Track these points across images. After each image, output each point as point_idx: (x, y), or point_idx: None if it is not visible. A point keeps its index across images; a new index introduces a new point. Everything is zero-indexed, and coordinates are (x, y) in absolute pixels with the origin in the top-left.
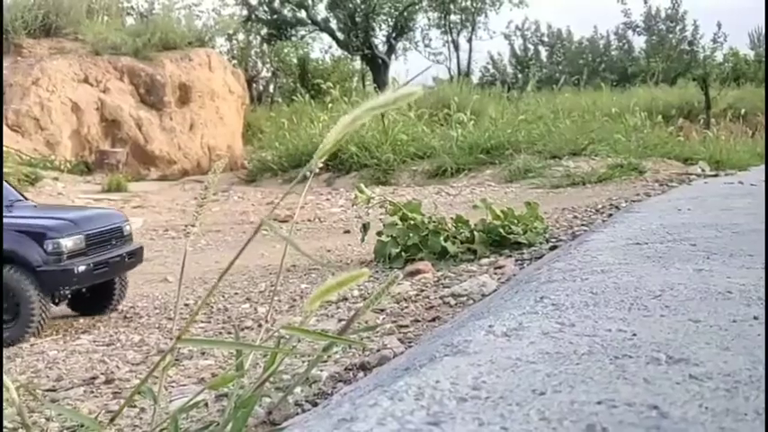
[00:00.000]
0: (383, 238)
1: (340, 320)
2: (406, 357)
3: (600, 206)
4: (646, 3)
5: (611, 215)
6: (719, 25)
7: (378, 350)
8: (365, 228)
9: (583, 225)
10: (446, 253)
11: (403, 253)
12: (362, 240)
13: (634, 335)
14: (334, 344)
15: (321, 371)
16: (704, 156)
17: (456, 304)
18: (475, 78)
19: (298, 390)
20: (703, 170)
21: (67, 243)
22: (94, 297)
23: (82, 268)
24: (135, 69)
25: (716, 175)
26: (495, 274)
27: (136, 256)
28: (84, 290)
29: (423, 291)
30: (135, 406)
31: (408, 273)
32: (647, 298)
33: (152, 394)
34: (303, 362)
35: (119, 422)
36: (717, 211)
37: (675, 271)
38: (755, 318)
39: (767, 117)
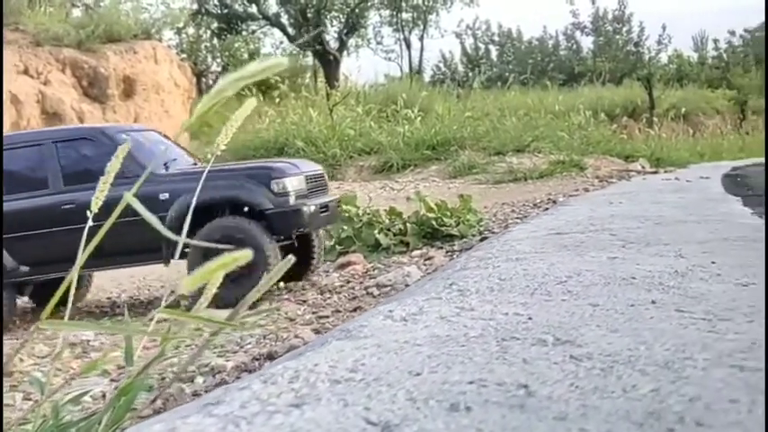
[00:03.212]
0: None
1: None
2: (309, 345)
3: (538, 201)
4: (593, 4)
5: (547, 209)
6: (664, 27)
7: (287, 339)
8: None
9: (518, 218)
10: (379, 245)
11: (337, 245)
12: None
13: (530, 318)
14: (222, 330)
15: (228, 361)
16: (645, 153)
17: (379, 294)
18: (427, 76)
19: (200, 380)
20: (643, 167)
21: (293, 182)
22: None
23: (312, 209)
24: (78, 61)
25: (655, 172)
26: (424, 265)
27: (338, 206)
28: (295, 242)
29: (349, 282)
30: (30, 399)
31: (339, 265)
32: (552, 284)
33: (40, 385)
34: (215, 353)
35: (9, 415)
36: (647, 204)
37: (588, 259)
38: (653, 302)
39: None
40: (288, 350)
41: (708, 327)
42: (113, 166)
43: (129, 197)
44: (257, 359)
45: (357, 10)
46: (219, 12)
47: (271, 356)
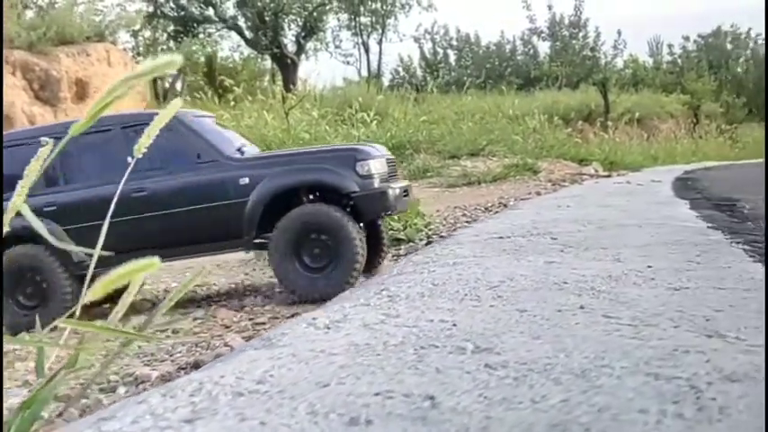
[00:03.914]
0: None
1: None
2: (226, 356)
3: (490, 204)
4: (550, 9)
5: (497, 213)
6: (619, 33)
7: (217, 347)
8: None
9: (467, 222)
10: None
11: None
12: None
13: (454, 325)
14: (134, 340)
15: (154, 370)
16: (599, 157)
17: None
18: (386, 81)
19: (122, 390)
20: (596, 171)
21: (377, 165)
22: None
23: (397, 191)
24: (29, 64)
25: (608, 176)
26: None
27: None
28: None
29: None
30: None
31: None
32: (483, 289)
33: None
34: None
35: None
36: (593, 208)
37: (525, 263)
38: (581, 307)
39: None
40: (214, 358)
41: (632, 333)
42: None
43: (21, 206)
44: (183, 368)
45: (315, 13)
46: (176, 14)
47: (197, 365)
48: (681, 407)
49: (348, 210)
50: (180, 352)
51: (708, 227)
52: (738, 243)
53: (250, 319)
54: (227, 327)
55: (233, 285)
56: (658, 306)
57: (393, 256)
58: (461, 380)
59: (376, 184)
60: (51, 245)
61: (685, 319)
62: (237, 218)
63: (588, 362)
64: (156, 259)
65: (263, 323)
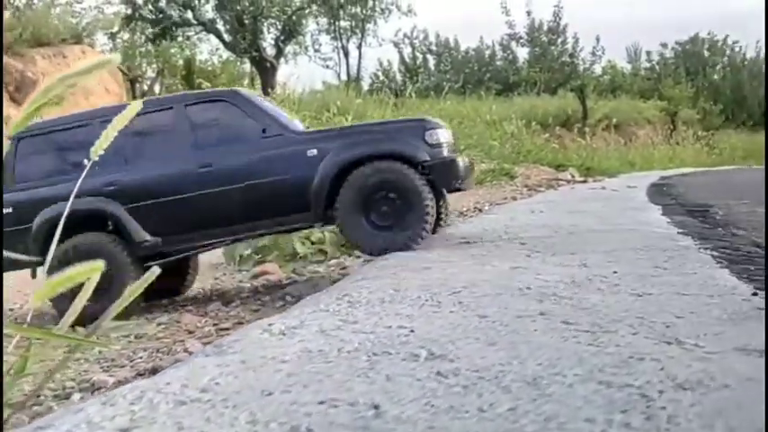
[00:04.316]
0: None
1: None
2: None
3: (464, 209)
4: (529, 15)
5: (472, 217)
6: (598, 39)
7: (175, 353)
8: None
9: (441, 226)
10: (297, 254)
11: (254, 254)
12: None
13: (412, 331)
14: (80, 346)
15: (111, 376)
16: (576, 163)
17: (284, 305)
18: (366, 85)
19: (77, 396)
20: (573, 176)
21: (444, 134)
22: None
23: (466, 161)
24: (4, 65)
25: (584, 181)
26: (339, 274)
27: None
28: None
29: (258, 292)
30: None
31: (253, 275)
32: (445, 294)
33: None
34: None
35: None
36: (566, 213)
37: (489, 268)
38: (542, 314)
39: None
40: (173, 364)
41: (590, 340)
42: None
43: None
44: (141, 374)
45: (294, 17)
46: (154, 17)
47: (155, 371)
48: (629, 416)
49: None
50: (140, 357)
51: (678, 232)
52: (707, 249)
53: (214, 325)
54: (191, 332)
55: (201, 290)
56: (620, 312)
57: (364, 261)
58: (410, 388)
59: (446, 152)
60: (115, 229)
61: (645, 326)
62: (305, 191)
63: (541, 369)
64: (100, 263)
65: (228, 329)
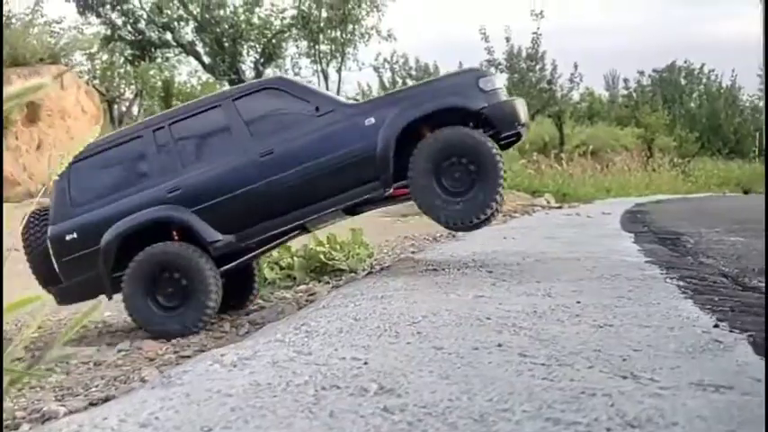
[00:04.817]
0: None
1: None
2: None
3: (438, 235)
4: (508, 42)
5: (444, 243)
6: (576, 66)
7: (131, 382)
8: None
9: (413, 252)
10: (265, 279)
11: None
12: None
13: (365, 363)
14: (23, 378)
15: (62, 406)
16: (552, 189)
17: (246, 333)
18: None
19: (26, 427)
20: (548, 202)
21: (497, 81)
22: None
23: (524, 103)
24: None
25: (559, 207)
26: (306, 300)
27: None
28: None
29: (223, 318)
30: None
31: None
32: (404, 324)
33: None
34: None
35: None
36: (538, 240)
37: (453, 297)
38: (499, 345)
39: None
40: (126, 393)
41: (544, 373)
42: None
43: None
44: (94, 404)
45: (274, 40)
46: (133, 38)
47: (107, 401)
48: None
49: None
50: (96, 386)
51: (646, 261)
52: (673, 279)
53: (175, 352)
54: (152, 359)
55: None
56: (578, 345)
57: (333, 287)
58: (353, 425)
59: (502, 97)
60: (185, 235)
61: (602, 359)
62: (370, 160)
63: (490, 405)
64: (39, 295)
65: (189, 356)
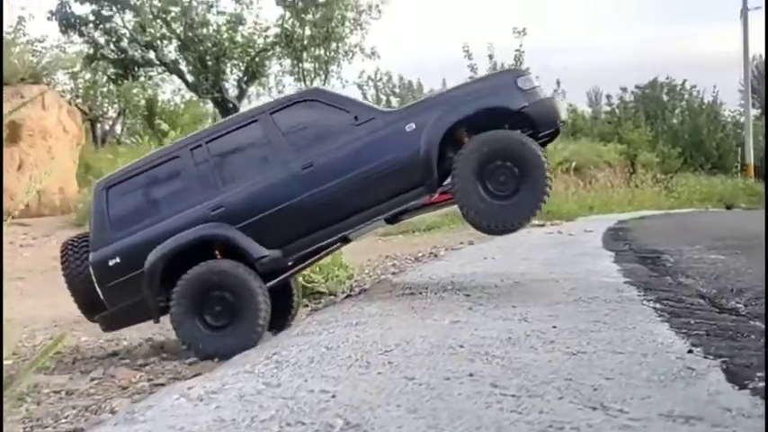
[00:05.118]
0: None
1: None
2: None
3: (420, 254)
4: (491, 59)
5: (425, 263)
6: (558, 83)
7: (102, 412)
8: None
9: (395, 273)
10: None
11: None
12: None
13: (333, 396)
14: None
15: None
16: None
17: (219, 360)
18: None
19: None
20: None
21: (534, 80)
22: None
23: (561, 100)
24: None
25: (542, 225)
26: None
27: None
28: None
29: None
30: None
31: None
32: (376, 353)
33: None
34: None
35: None
36: (518, 260)
37: (429, 323)
38: (471, 375)
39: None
40: (94, 426)
41: (513, 405)
42: None
43: None
44: None
45: (257, 59)
46: (116, 57)
47: None
48: None
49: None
50: (66, 417)
51: (625, 282)
52: (650, 301)
53: (149, 380)
54: (125, 388)
55: (141, 341)
56: (549, 374)
57: (312, 310)
58: None
59: (541, 95)
60: (230, 253)
61: (572, 389)
62: (414, 165)
63: None
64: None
65: (163, 384)
